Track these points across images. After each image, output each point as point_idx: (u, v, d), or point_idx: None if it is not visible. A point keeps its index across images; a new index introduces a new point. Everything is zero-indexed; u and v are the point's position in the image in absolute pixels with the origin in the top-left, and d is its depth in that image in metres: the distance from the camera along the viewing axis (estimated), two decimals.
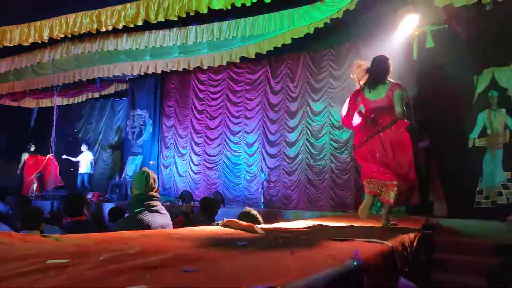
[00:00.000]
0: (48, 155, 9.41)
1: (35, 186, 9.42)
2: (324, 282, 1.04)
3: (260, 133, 7.99)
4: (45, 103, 10.66)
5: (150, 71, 7.66)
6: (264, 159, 7.84)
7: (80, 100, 10.64)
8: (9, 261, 0.98)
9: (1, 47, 6.28)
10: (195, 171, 8.62)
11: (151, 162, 9.00)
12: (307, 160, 7.34)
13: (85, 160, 9.72)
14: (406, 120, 3.18)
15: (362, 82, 3.34)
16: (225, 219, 2.58)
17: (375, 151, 3.16)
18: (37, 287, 0.75)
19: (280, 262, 1.23)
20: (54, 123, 6.99)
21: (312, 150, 7.31)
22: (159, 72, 7.59)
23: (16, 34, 6.12)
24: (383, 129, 3.14)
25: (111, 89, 10.04)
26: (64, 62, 8.06)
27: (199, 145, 8.64)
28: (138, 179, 2.81)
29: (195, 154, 8.67)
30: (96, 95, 10.34)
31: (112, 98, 10.97)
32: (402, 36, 5.40)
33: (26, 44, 6.13)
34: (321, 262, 1.26)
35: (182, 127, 8.95)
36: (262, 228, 2.36)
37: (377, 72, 3.24)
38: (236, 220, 2.54)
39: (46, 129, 11.67)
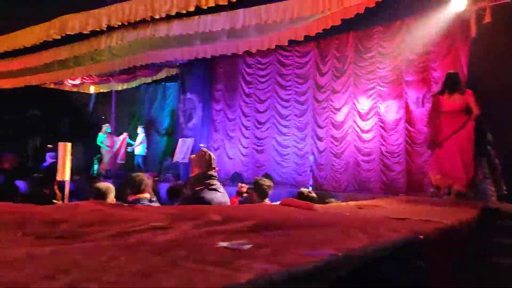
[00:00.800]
0: (123, 135, 9.99)
1: (96, 166, 10.07)
2: (386, 250, 1.09)
3: (310, 116, 7.98)
4: (103, 88, 11.23)
5: (199, 56, 7.82)
6: (314, 142, 7.83)
7: (134, 86, 11.10)
8: (122, 222, 1.13)
9: (64, 35, 6.65)
10: (244, 154, 8.80)
11: (201, 145, 9.26)
12: (355, 142, 7.26)
13: (140, 143, 10.22)
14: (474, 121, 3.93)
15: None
16: (283, 199, 2.67)
17: (454, 147, 3.84)
18: (157, 240, 0.87)
19: (345, 232, 1.28)
20: (113, 107, 7.38)
21: (360, 132, 7.21)
22: (208, 57, 7.73)
23: (76, 23, 6.47)
24: (460, 128, 3.88)
25: (162, 74, 10.39)
26: (119, 49, 8.41)
27: (248, 128, 8.78)
28: (199, 159, 2.97)
29: (244, 137, 8.83)
30: (149, 80, 10.73)
31: (163, 83, 11.37)
32: (456, 13, 5.13)
33: (85, 32, 6.45)
34: (383, 234, 1.30)
35: (231, 111, 9.13)
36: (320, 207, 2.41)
37: (454, 84, 4.14)
38: (294, 199, 2.62)
39: (103, 113, 12.38)
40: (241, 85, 9.00)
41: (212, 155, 3.10)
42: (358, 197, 5.97)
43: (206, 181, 3.04)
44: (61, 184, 4.43)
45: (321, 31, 6.28)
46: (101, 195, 3.50)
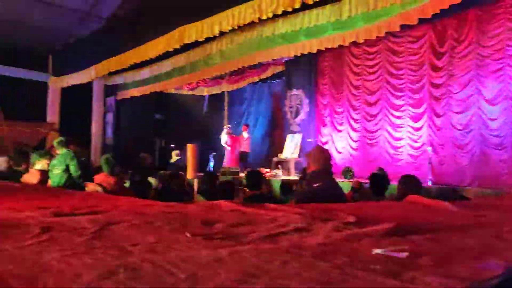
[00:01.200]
0: (244, 134, 10.63)
1: (212, 163, 10.86)
2: None
3: (426, 105, 7.42)
4: (215, 90, 11.99)
5: (305, 52, 7.82)
6: (433, 132, 7.27)
7: (242, 86, 11.61)
8: (264, 223, 1.20)
9: (182, 45, 7.27)
10: (354, 148, 8.58)
11: (309, 140, 9.31)
12: (481, 130, 6.52)
13: (242, 139, 10.65)
14: None
15: None
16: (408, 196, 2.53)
17: None
18: (308, 243, 0.90)
19: (500, 237, 1.15)
20: (226, 108, 7.87)
21: (487, 120, 6.44)
22: (314, 51, 7.69)
23: (192, 32, 7.00)
24: None
25: (268, 72, 10.66)
26: (229, 52, 8.89)
27: (358, 121, 8.53)
28: (316, 156, 2.98)
29: (354, 130, 8.60)
30: (256, 79, 11.11)
31: (269, 81, 11.66)
32: None
33: (200, 39, 6.95)
34: None
35: (338, 104, 8.96)
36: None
37: None
38: (421, 197, 2.46)
39: (216, 113, 13.26)
40: (348, 77, 8.75)
41: (329, 151, 3.10)
42: (486, 193, 5.37)
43: (323, 178, 3.04)
44: (189, 183, 4.88)
45: (438, 12, 5.76)
46: (229, 192, 3.79)
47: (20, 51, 10.78)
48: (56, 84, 10.41)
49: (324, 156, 2.93)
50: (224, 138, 10.45)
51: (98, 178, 4.43)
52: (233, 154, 10.34)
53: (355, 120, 8.62)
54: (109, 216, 1.24)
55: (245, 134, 10.51)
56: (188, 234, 1.00)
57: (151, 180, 6.01)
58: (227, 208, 1.69)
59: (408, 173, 6.89)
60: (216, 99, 13.01)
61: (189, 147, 3.60)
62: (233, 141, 10.49)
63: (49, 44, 10.73)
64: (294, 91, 9.83)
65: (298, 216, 1.42)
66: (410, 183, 3.66)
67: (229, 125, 10.59)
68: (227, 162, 10.31)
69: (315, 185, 3.03)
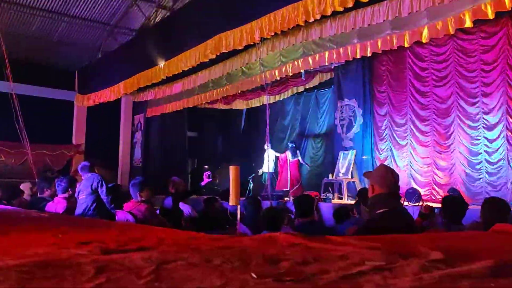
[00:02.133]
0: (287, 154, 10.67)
1: (251, 185, 10.92)
2: None
3: (503, 112, 7.14)
4: (254, 103, 12.15)
5: (358, 56, 7.77)
6: (510, 145, 6.97)
7: (284, 97, 11.70)
8: (335, 260, 1.19)
9: (218, 54, 7.45)
10: (419, 165, 8.34)
11: (364, 157, 9.17)
12: None
13: (267, 159, 10.65)
14: None
15: None
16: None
17: None
18: None
19: None
20: (267, 122, 7.90)
21: None
22: (369, 54, 7.62)
23: (230, 40, 7.17)
24: None
25: (315, 81, 10.67)
26: (270, 59, 9.02)
27: (425, 133, 8.30)
28: (381, 177, 2.91)
29: (420, 144, 8.38)
30: (300, 89, 11.16)
31: (315, 90, 11.69)
32: None
33: (239, 47, 7.10)
34: None
35: (399, 114, 8.79)
36: None
37: None
38: (510, 225, 2.34)
39: (254, 129, 13.40)
40: (411, 82, 8.58)
41: (396, 173, 3.03)
42: None
43: (390, 203, 2.97)
44: (231, 211, 4.91)
45: None
46: (276, 221, 3.79)
47: (45, 69, 11.50)
48: (82, 103, 10.96)
49: (390, 177, 2.85)
50: (272, 154, 10.51)
51: (128, 205, 4.57)
52: (285, 176, 10.39)
53: (422, 133, 8.39)
54: (162, 253, 1.28)
55: (269, 153, 10.48)
56: (254, 275, 1.01)
57: (182, 206, 6.14)
58: (286, 242, 1.68)
59: (491, 196, 6.62)
60: (256, 113, 13.18)
61: (232, 170, 3.63)
62: (281, 160, 10.58)
63: (75, 60, 11.37)
64: (346, 101, 9.75)
65: (373, 252, 1.39)
66: (496, 208, 3.49)
67: (268, 144, 10.63)
68: (279, 184, 10.36)
69: (379, 211, 2.96)
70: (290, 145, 10.71)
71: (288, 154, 10.48)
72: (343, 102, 9.84)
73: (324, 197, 8.66)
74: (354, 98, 9.58)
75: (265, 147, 10.96)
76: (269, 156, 10.44)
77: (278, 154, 10.96)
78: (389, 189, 2.94)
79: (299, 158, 10.50)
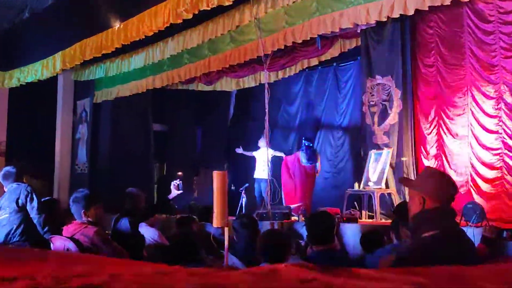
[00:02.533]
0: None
1: (244, 200, 10.94)
2: None
3: None
4: (247, 82, 12.16)
5: (395, 15, 7.80)
6: None
7: (291, 74, 11.71)
8: None
9: (196, 13, 7.45)
10: (484, 169, 8.34)
11: (404, 159, 9.17)
12: None
13: (261, 160, 10.62)
14: None
15: None
16: None
17: None
18: None
19: None
20: (267, 109, 7.86)
21: None
22: (410, 12, 7.64)
23: None
24: None
25: (334, 51, 10.68)
26: (270, 20, 9.02)
27: (493, 125, 8.28)
28: (430, 184, 2.92)
29: (484, 140, 8.37)
30: (313, 62, 11.16)
31: (334, 64, 11.70)
32: None
33: (227, 2, 7.12)
34: None
35: (455, 97, 8.79)
36: None
37: None
38: None
39: (247, 119, 13.41)
40: (472, 52, 8.59)
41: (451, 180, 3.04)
42: None
43: (442, 222, 2.98)
44: (216, 236, 4.91)
45: None
46: (280, 249, 3.80)
47: None
48: (1, 83, 10.92)
49: (444, 185, 2.88)
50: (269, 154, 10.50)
51: (69, 228, 4.56)
52: (293, 186, 10.43)
53: (488, 124, 8.35)
54: None
55: (263, 152, 10.48)
56: None
57: (144, 229, 6.12)
58: (295, 277, 1.68)
59: None
60: (250, 97, 13.17)
61: (217, 177, 3.61)
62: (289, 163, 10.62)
63: None
64: (378, 79, 9.74)
65: None
66: None
67: (262, 138, 10.61)
68: (287, 198, 10.38)
69: (426, 234, 2.98)
70: (305, 143, 10.70)
71: (301, 156, 10.49)
72: (374, 81, 9.82)
73: (348, 215, 8.69)
74: (390, 75, 9.56)
75: (260, 143, 10.97)
76: (263, 156, 10.46)
77: (280, 154, 10.97)
78: (442, 203, 2.95)
79: (318, 164, 10.53)
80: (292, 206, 9.56)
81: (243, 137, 13.05)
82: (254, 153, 11.40)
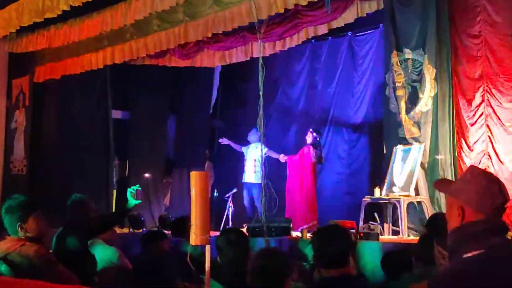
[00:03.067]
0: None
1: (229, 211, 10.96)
2: None
3: None
4: (234, 56, 12.12)
5: None
6: None
7: (292, 45, 11.69)
8: None
9: None
10: None
11: (439, 157, 9.17)
12: None
13: (251, 160, 10.59)
14: None
15: None
16: None
17: None
18: None
19: None
20: (261, 90, 7.77)
21: None
22: None
23: None
24: None
25: (349, 16, 10.69)
26: None
27: None
28: (473, 189, 2.91)
29: None
30: (321, 30, 11.15)
31: (349, 34, 11.71)
32: None
33: None
34: None
35: (509, 77, 8.81)
36: None
37: None
38: None
39: (235, 104, 13.39)
40: None
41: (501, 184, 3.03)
42: None
43: (488, 239, 2.99)
44: (194, 256, 4.90)
45: None
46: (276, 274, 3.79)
47: None
48: None
49: (494, 192, 2.87)
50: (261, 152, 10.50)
51: (1, 247, 4.52)
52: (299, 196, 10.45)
53: None
54: None
55: (254, 150, 10.47)
56: None
57: (100, 248, 6.10)
58: None
59: None
60: (239, 75, 13.15)
61: (196, 179, 3.60)
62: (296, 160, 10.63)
63: None
64: (407, 53, 9.75)
65: None
66: None
67: (254, 130, 10.58)
68: (289, 209, 10.39)
69: (468, 254, 2.98)
70: (313, 136, 10.65)
71: (313, 152, 10.45)
72: (401, 55, 9.84)
73: (367, 230, 8.70)
74: (422, 48, 9.60)
75: (250, 136, 10.94)
76: (255, 153, 10.48)
77: (275, 156, 10.90)
78: (487, 215, 2.95)
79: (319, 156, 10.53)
80: (303, 226, 9.49)
81: (230, 128, 13.06)
82: (244, 149, 11.38)
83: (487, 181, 2.91)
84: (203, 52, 12.23)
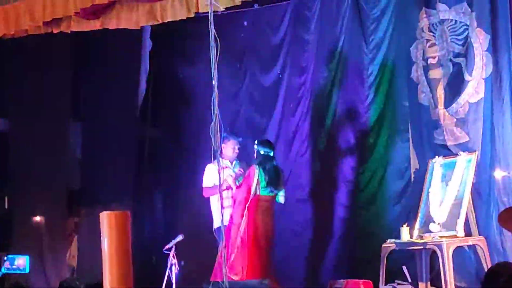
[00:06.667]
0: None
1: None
2: None
3: None
4: (169, 12, 12.02)
5: None
6: None
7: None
8: None
9: None
10: None
11: (500, 174, 9.27)
12: None
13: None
14: None
15: None
16: None
17: None
18: None
19: None
20: (214, 68, 7.78)
21: None
22: None
23: None
24: None
25: None
26: None
27: None
28: None
29: None
30: None
31: None
32: None
33: None
34: None
35: None
36: None
37: None
38: None
39: (176, 96, 13.47)
40: None
41: None
42: None
43: None
44: None
45: None
46: None
47: None
48: None
49: None
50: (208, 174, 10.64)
51: None
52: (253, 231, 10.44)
53: None
54: None
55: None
56: None
57: None
58: None
59: None
60: (179, 47, 13.21)
61: (110, 221, 3.65)
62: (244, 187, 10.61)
63: None
64: (442, 11, 9.89)
65: None
66: None
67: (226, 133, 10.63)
68: (236, 260, 10.36)
69: None
70: (261, 150, 10.68)
71: (259, 177, 10.44)
72: (435, 15, 9.97)
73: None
74: (467, 3, 9.72)
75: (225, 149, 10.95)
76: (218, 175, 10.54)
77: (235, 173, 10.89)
78: None
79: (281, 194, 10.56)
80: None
81: (168, 137, 13.05)
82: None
83: None
84: (121, 6, 11.98)
